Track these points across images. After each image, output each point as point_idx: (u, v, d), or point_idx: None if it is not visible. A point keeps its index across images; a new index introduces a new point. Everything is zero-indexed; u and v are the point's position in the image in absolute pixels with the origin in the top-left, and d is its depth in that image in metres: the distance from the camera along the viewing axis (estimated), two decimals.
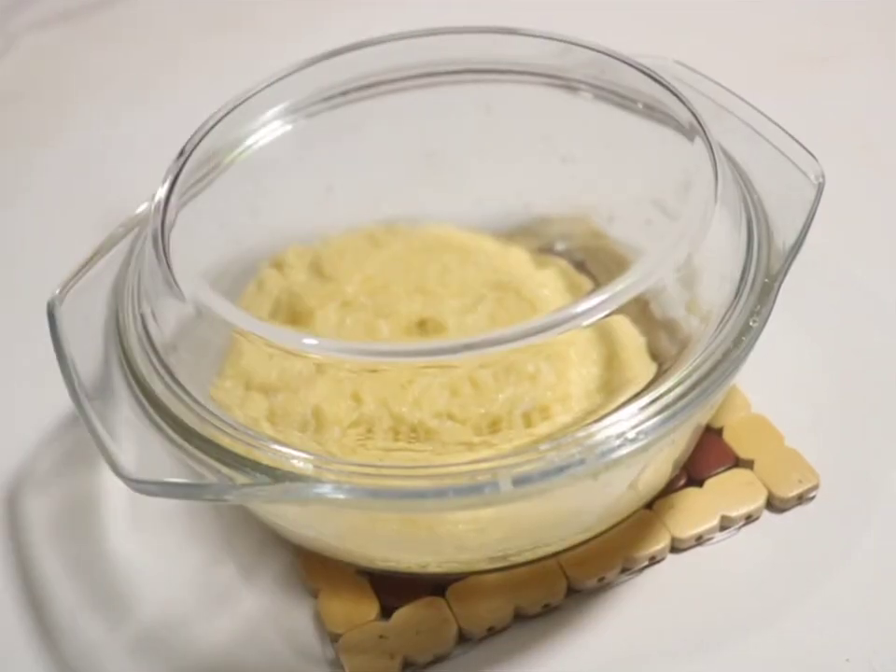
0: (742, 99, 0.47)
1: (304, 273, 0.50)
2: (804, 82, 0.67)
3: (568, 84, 0.50)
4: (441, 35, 0.50)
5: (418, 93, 0.52)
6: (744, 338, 0.39)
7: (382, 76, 0.51)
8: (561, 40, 0.49)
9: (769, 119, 0.45)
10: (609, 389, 0.45)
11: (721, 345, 0.41)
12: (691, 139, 0.45)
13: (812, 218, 0.42)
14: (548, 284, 0.49)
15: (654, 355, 0.49)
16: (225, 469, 0.37)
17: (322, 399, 0.43)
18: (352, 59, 0.50)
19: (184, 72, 0.73)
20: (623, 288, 0.39)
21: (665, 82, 0.46)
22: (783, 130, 0.45)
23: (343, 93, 0.51)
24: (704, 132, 0.44)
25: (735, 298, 0.43)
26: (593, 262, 0.53)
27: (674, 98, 0.45)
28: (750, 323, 0.39)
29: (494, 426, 0.42)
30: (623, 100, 0.49)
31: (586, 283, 0.51)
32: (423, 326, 0.46)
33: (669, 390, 0.40)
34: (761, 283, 0.41)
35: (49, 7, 0.81)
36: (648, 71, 0.47)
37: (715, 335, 0.45)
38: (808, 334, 0.51)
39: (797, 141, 0.44)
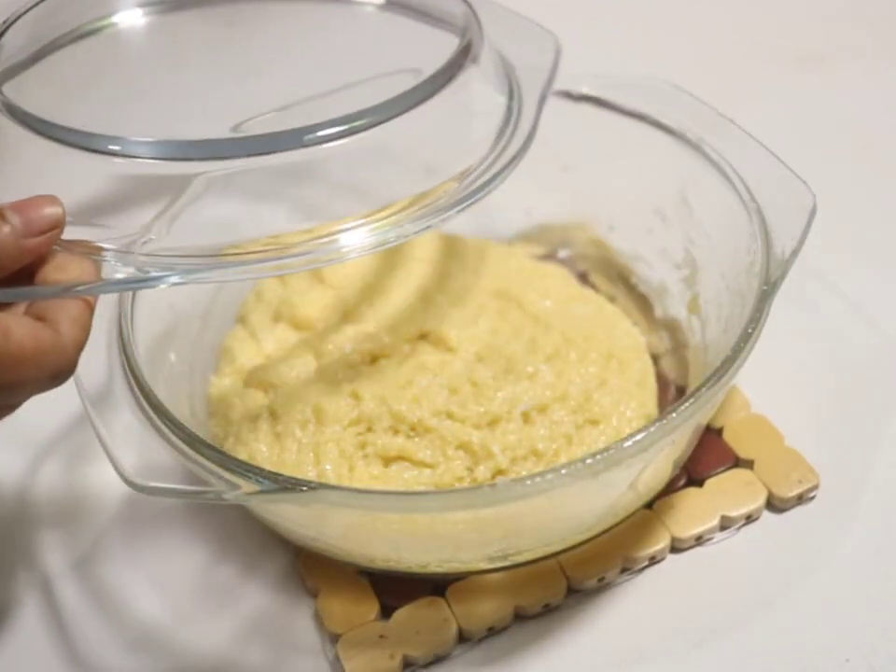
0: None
1: (304, 280, 0.49)
2: (802, 82, 0.67)
3: (567, 94, 0.50)
4: None
5: None
6: (742, 342, 0.39)
7: None
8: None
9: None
10: (609, 389, 0.45)
11: (720, 348, 0.41)
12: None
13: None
14: (549, 293, 0.49)
15: (654, 355, 0.49)
16: (227, 475, 0.37)
17: (321, 396, 0.43)
18: None
19: None
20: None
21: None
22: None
23: None
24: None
25: (735, 302, 0.43)
26: (594, 270, 0.53)
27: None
28: (749, 329, 0.39)
29: (493, 424, 0.43)
30: (619, 112, 0.49)
31: (587, 291, 0.51)
32: (424, 338, 0.46)
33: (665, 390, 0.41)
34: (759, 288, 0.41)
35: None
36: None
37: (714, 337, 0.45)
38: (808, 335, 0.51)
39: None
